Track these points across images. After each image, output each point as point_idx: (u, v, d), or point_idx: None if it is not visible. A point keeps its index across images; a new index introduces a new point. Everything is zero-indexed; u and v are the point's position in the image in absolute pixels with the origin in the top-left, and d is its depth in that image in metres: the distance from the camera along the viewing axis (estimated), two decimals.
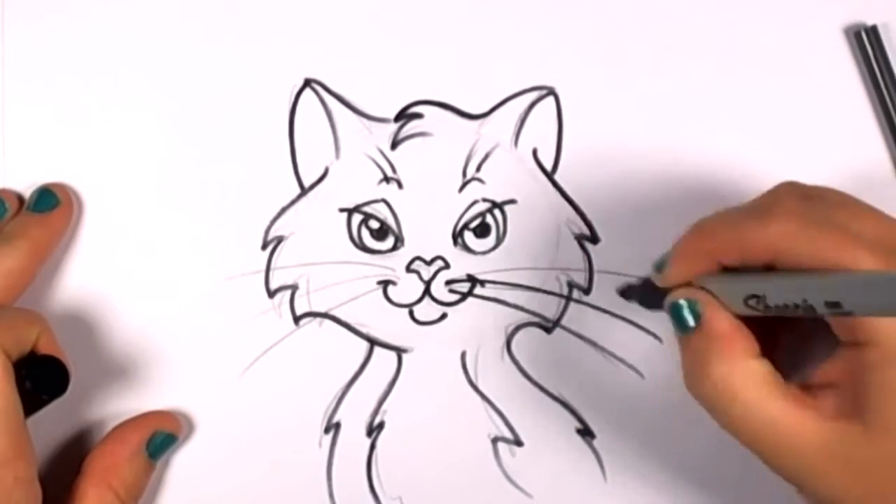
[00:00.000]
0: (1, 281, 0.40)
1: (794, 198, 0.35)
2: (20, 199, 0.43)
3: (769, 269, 0.35)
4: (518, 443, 0.44)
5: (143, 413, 0.43)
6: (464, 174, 0.44)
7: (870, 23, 0.44)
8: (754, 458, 0.43)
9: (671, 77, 0.44)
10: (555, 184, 0.44)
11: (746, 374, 0.35)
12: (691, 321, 0.36)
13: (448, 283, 0.44)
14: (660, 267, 0.38)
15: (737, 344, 0.35)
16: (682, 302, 0.36)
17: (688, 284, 0.37)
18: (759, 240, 0.34)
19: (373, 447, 0.44)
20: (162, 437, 0.42)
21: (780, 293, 0.33)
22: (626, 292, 0.43)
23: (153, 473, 0.42)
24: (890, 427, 0.33)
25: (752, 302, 0.34)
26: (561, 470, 0.44)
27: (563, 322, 0.44)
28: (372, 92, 0.44)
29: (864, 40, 0.44)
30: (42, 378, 0.38)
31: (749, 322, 0.36)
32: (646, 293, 0.41)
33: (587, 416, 0.44)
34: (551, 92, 0.44)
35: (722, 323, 0.35)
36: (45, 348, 0.39)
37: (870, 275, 0.32)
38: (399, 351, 0.44)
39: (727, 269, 0.36)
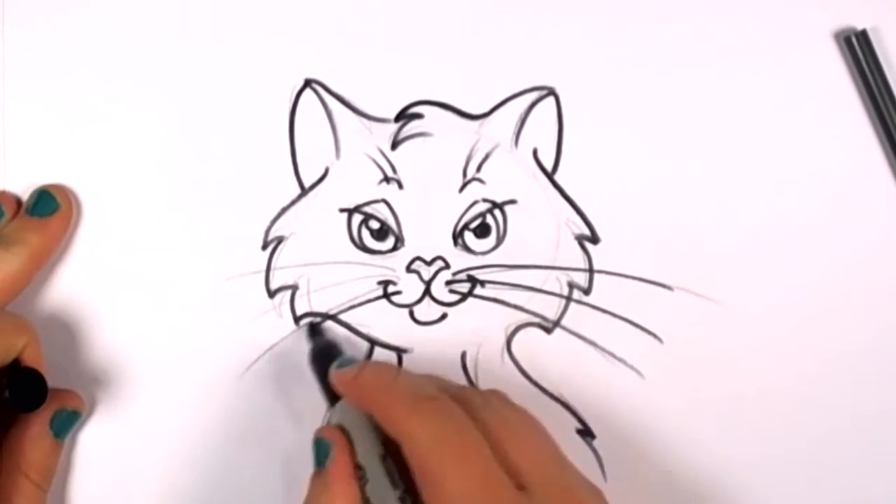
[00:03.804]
0: None
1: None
2: (18, 201, 0.43)
3: None
4: None
5: None
6: (464, 174, 0.44)
7: (859, 27, 0.44)
8: (753, 459, 0.43)
9: (669, 78, 0.44)
10: (555, 184, 0.44)
11: None
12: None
13: (448, 283, 0.44)
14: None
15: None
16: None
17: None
18: None
19: None
20: (65, 414, 0.41)
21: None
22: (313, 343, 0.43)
23: (62, 452, 0.42)
24: None
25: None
26: None
27: (563, 322, 0.44)
28: (372, 92, 0.44)
29: (855, 45, 0.44)
30: (22, 391, 0.38)
31: None
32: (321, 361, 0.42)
33: (587, 416, 0.44)
34: (551, 92, 0.44)
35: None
36: (29, 359, 0.39)
37: None
38: (399, 351, 0.44)
39: None
